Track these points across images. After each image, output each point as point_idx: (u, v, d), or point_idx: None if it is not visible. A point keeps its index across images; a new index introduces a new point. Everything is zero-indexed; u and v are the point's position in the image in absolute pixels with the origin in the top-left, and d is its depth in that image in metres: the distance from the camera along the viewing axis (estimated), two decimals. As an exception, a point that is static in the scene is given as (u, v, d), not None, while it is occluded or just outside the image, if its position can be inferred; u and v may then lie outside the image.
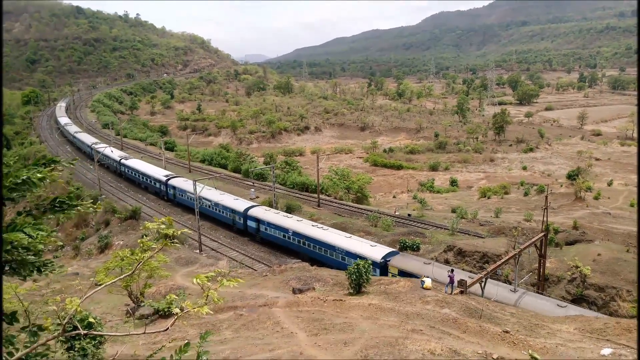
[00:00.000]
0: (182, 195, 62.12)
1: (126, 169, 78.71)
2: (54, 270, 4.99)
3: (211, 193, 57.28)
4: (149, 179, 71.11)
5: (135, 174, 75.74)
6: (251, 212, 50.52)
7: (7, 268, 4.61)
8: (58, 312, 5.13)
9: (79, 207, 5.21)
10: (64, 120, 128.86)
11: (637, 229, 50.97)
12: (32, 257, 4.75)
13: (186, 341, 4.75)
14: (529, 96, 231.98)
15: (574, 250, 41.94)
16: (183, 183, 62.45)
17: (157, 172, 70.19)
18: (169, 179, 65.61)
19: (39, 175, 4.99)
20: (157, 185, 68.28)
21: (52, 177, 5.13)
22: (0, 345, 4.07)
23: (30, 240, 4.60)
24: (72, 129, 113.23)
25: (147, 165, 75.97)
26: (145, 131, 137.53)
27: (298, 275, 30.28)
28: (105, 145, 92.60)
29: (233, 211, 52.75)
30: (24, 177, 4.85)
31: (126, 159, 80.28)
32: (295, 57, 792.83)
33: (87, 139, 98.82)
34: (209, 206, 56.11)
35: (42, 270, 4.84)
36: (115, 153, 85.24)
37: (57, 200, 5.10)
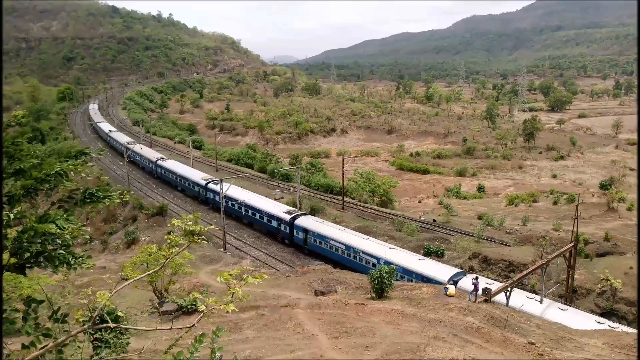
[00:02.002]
0: (321, 243, 45.71)
1: (215, 196, 60.59)
2: (83, 265, 5.11)
3: (374, 246, 40.97)
4: (259, 214, 53.91)
5: (236, 206, 56.69)
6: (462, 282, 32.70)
7: (40, 259, 4.74)
8: (88, 305, 5.27)
9: (106, 200, 5.34)
10: (106, 126, 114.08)
11: (637, 230, 49.32)
12: (62, 250, 4.88)
13: (201, 332, 4.79)
14: (561, 103, 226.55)
15: (605, 262, 40.74)
16: (322, 226, 46.82)
17: (273, 208, 53.05)
18: (294, 218, 49.25)
19: (71, 167, 5.14)
20: (275, 223, 51.69)
21: (83, 168, 5.28)
22: (1, 344, 4.17)
23: (59, 231, 4.71)
24: (122, 138, 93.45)
25: (255, 196, 57.07)
26: (174, 129, 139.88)
27: (321, 277, 30.31)
28: (171, 159, 79.60)
29: (431, 281, 35.92)
30: (57, 169, 5.01)
31: (215, 183, 60.90)
32: (324, 58, 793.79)
33: (149, 153, 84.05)
34: (373, 264, 38.68)
35: (72, 264, 4.97)
36: (197, 174, 69.04)
37: (87, 192, 5.25)
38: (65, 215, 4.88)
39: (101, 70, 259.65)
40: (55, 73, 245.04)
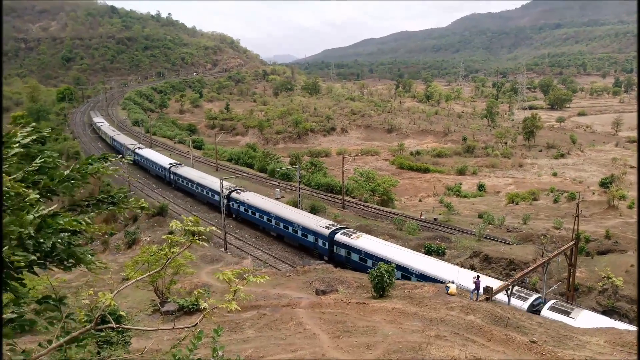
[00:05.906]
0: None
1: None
2: (98, 264, 5.05)
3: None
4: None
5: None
6: None
7: (49, 258, 4.65)
8: (91, 305, 5.24)
9: (125, 205, 5.33)
10: (146, 151, 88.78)
11: (637, 229, 49.26)
12: (78, 248, 4.80)
13: (199, 329, 4.77)
14: (561, 101, 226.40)
15: (606, 260, 40.72)
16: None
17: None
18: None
19: (95, 169, 5.12)
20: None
21: (105, 170, 5.28)
22: (1, 345, 4.15)
23: (85, 225, 4.63)
24: (185, 171, 72.84)
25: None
26: (174, 129, 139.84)
27: (321, 276, 30.28)
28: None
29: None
30: (86, 170, 4.97)
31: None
32: (324, 57, 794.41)
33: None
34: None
35: (90, 265, 4.85)
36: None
37: (101, 196, 5.22)
38: (80, 213, 4.83)
39: (100, 70, 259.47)
40: (55, 73, 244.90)
